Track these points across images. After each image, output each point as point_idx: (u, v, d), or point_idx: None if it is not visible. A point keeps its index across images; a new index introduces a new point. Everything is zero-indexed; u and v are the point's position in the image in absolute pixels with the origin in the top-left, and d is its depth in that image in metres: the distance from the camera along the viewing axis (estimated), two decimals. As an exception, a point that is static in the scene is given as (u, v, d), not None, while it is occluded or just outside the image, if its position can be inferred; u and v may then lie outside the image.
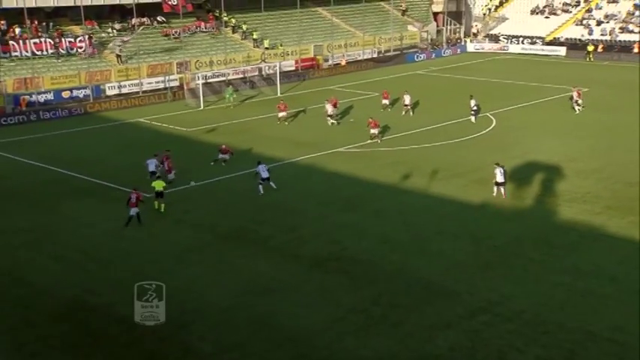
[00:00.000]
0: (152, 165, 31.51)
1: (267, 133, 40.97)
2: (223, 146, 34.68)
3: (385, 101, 46.31)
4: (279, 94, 51.71)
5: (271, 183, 30.01)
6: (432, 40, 75.42)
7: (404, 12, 76.25)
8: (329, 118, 42.36)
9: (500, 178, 28.87)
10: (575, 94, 45.53)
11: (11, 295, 21.31)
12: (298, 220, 27.18)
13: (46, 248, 24.94)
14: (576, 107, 44.98)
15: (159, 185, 27.80)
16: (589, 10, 75.21)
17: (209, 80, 52.47)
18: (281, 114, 43.20)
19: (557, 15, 76.32)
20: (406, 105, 45.14)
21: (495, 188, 29.09)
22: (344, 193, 30.31)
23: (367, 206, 28.64)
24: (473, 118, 42.81)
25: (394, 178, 32.01)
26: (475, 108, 43.14)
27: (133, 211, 26.42)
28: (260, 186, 29.91)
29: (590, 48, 68.25)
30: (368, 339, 18.69)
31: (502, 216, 27.51)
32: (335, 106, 43.37)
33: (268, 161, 32.84)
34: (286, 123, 42.93)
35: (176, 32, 58.78)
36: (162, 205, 27.78)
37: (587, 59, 67.49)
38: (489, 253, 24.02)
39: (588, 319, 19.31)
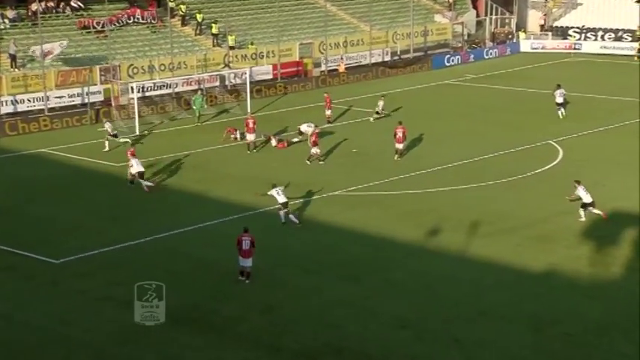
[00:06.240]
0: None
1: (231, 171, 40.67)
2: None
3: (328, 112, 50.83)
4: (249, 113, 51.53)
5: (291, 216, 33.29)
6: (469, 35, 76.06)
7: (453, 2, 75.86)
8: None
9: (587, 198, 31.87)
10: None
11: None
12: (278, 295, 27.09)
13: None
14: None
15: None
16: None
17: (147, 93, 52.50)
18: (250, 136, 44.12)
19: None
20: (377, 113, 49.10)
21: (583, 212, 32.05)
22: (342, 257, 30.23)
23: (377, 275, 28.55)
24: (562, 110, 48.35)
25: (415, 235, 31.95)
26: (561, 100, 47.74)
27: None
28: (281, 212, 33.14)
29: None
30: None
31: (576, 290, 27.31)
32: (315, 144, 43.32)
33: (235, 210, 33.04)
34: (256, 151, 44.07)
35: (99, 23, 58.96)
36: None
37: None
38: (558, 344, 23.69)
39: None
